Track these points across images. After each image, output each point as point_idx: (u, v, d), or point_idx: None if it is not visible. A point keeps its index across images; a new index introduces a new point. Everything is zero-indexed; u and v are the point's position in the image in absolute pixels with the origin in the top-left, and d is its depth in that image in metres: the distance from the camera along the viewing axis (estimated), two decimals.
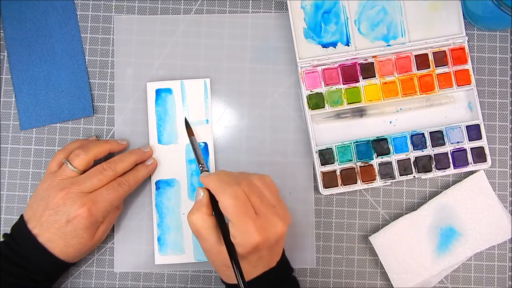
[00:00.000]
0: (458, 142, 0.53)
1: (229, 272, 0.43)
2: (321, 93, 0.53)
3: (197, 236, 0.43)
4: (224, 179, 0.42)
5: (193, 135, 0.52)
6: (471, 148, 0.53)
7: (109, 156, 0.50)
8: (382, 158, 0.53)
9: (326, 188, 0.52)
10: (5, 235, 0.47)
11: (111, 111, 0.54)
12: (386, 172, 0.53)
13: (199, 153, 0.50)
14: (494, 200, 0.52)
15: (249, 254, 0.41)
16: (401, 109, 0.54)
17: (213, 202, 0.43)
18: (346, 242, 0.53)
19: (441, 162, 0.53)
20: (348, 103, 0.53)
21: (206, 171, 0.48)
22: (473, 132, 0.53)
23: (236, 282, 0.40)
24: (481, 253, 0.53)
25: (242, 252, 0.41)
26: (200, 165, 0.49)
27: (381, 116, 0.54)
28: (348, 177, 0.52)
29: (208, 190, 0.43)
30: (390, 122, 0.54)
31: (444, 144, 0.53)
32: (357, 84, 0.53)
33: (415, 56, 0.54)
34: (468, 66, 0.54)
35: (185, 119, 0.53)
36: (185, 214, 0.52)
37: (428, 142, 0.53)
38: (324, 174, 0.52)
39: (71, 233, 0.45)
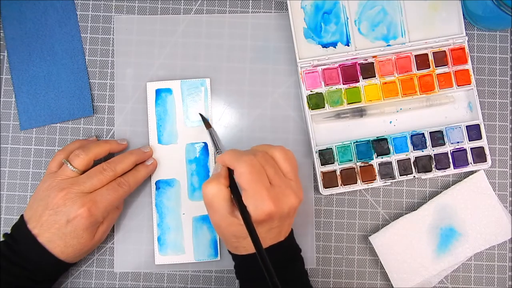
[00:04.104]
0: (458, 142, 0.53)
1: (237, 243, 0.43)
2: (321, 93, 0.53)
3: (209, 207, 0.43)
4: (240, 151, 0.44)
5: (211, 126, 0.53)
6: (471, 148, 0.53)
7: (109, 156, 0.50)
8: (382, 158, 0.53)
9: (326, 188, 0.52)
10: (5, 235, 0.47)
11: (111, 111, 0.54)
12: (386, 172, 0.53)
13: (218, 141, 0.53)
14: (494, 200, 0.52)
15: (261, 223, 0.41)
16: (401, 109, 0.54)
17: (230, 176, 0.44)
18: (346, 242, 0.53)
19: (441, 162, 0.53)
20: (348, 103, 0.53)
21: None
22: (473, 132, 0.53)
23: (244, 253, 0.42)
24: (481, 253, 0.53)
25: (254, 220, 0.41)
26: (217, 151, 0.51)
27: (381, 116, 0.54)
28: (348, 177, 0.52)
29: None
30: (390, 122, 0.54)
31: (444, 144, 0.53)
32: (357, 84, 0.53)
33: (415, 56, 0.54)
34: (468, 66, 0.54)
35: (200, 114, 0.53)
36: (185, 214, 0.52)
37: (428, 142, 0.53)
38: (324, 174, 0.52)
39: (71, 233, 0.45)
